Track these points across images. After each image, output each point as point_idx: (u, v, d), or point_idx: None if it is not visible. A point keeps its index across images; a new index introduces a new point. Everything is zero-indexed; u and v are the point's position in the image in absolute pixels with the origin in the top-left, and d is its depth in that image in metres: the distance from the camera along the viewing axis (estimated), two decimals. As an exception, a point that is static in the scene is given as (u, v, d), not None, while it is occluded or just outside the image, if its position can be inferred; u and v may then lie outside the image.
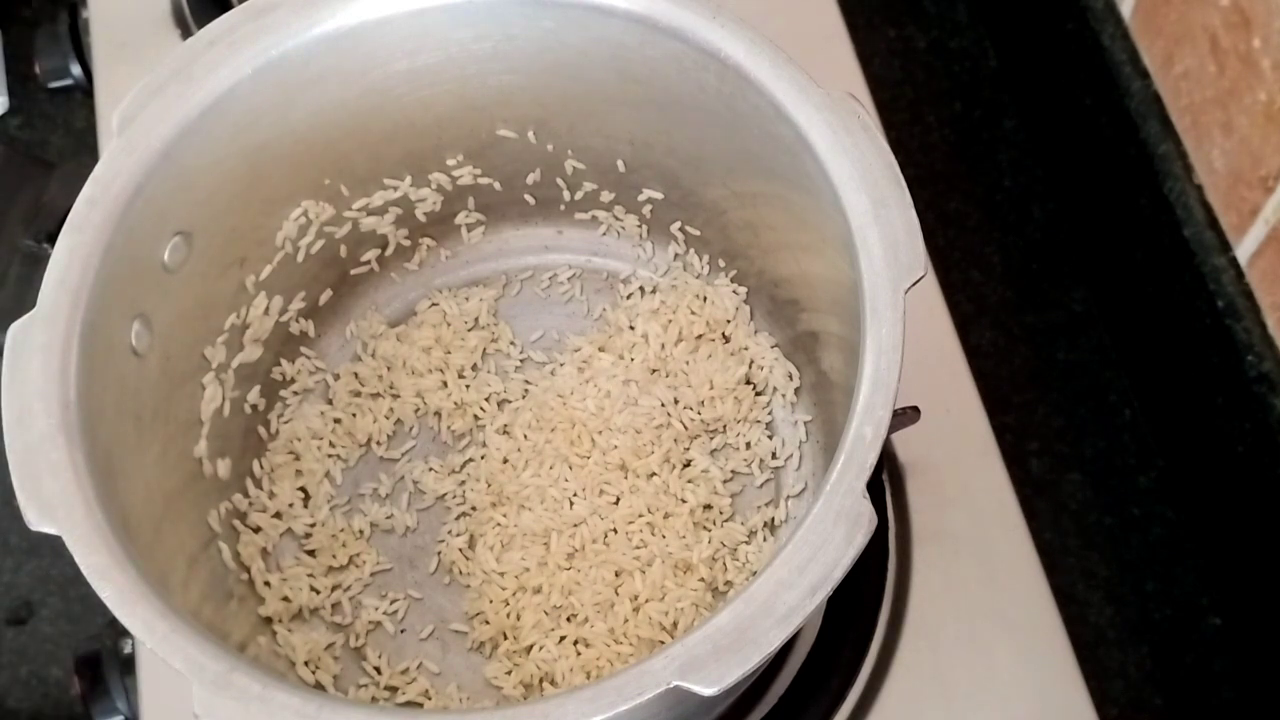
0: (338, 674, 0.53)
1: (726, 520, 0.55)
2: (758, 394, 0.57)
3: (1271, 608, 0.58)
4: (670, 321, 0.58)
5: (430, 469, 0.57)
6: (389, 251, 0.59)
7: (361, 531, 0.56)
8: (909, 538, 0.57)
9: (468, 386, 0.58)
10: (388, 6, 0.49)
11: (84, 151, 0.75)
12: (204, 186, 0.49)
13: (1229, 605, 0.62)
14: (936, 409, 0.57)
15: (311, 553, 0.55)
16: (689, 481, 0.55)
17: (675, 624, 0.52)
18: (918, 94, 0.77)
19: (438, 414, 0.58)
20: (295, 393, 0.58)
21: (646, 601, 0.52)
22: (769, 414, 0.57)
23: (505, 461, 0.56)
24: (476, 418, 0.58)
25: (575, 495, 0.55)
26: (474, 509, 0.56)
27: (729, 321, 0.58)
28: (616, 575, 0.53)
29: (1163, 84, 0.61)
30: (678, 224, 0.58)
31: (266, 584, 0.53)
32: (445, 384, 0.58)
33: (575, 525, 0.54)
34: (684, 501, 0.54)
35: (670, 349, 0.58)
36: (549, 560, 0.54)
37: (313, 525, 0.55)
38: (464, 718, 0.48)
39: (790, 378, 0.57)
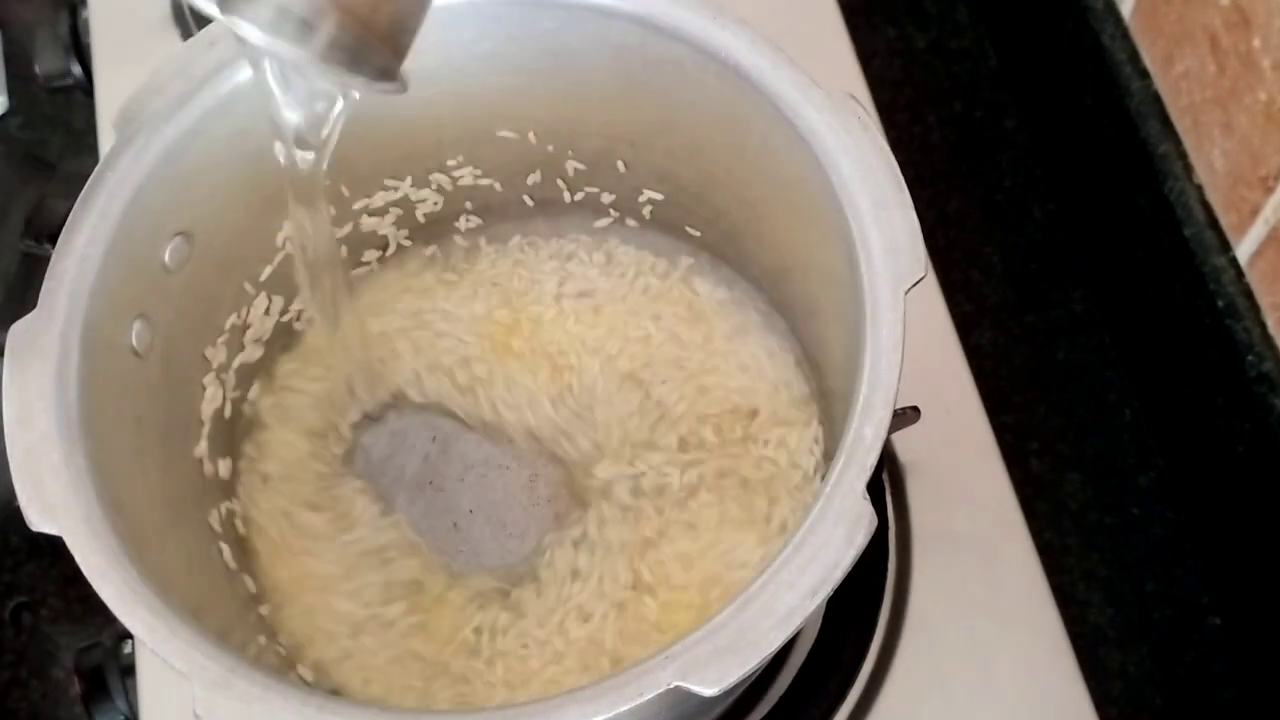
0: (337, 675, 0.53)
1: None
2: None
3: (1271, 608, 0.58)
4: (669, 322, 0.58)
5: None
6: (389, 252, 0.59)
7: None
8: (909, 538, 0.57)
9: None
10: (388, 7, 0.49)
11: (84, 151, 0.75)
12: (204, 187, 0.49)
13: (1229, 605, 0.62)
14: (936, 409, 0.57)
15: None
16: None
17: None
18: (918, 94, 0.77)
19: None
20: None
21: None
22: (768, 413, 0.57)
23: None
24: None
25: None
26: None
27: (728, 322, 0.58)
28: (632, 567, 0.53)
29: (1163, 84, 0.61)
30: (678, 225, 0.58)
31: (268, 582, 0.53)
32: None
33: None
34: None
35: (669, 349, 0.58)
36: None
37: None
38: (464, 717, 0.48)
39: (789, 377, 0.57)
